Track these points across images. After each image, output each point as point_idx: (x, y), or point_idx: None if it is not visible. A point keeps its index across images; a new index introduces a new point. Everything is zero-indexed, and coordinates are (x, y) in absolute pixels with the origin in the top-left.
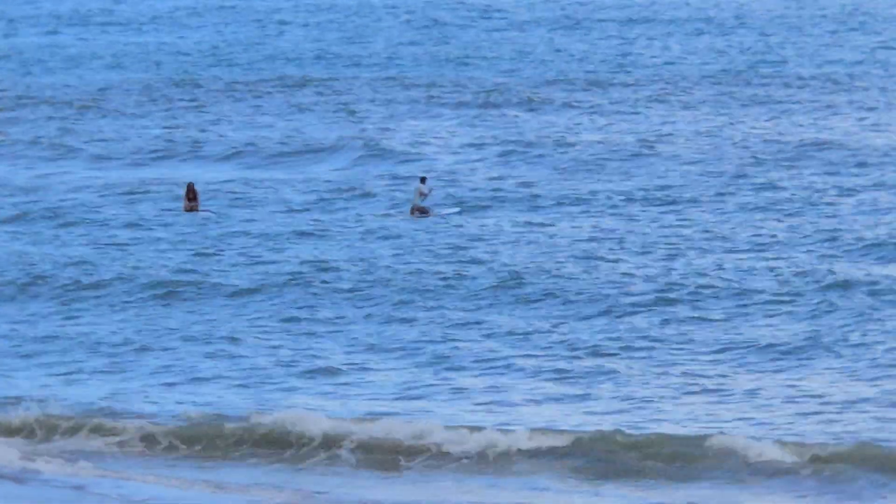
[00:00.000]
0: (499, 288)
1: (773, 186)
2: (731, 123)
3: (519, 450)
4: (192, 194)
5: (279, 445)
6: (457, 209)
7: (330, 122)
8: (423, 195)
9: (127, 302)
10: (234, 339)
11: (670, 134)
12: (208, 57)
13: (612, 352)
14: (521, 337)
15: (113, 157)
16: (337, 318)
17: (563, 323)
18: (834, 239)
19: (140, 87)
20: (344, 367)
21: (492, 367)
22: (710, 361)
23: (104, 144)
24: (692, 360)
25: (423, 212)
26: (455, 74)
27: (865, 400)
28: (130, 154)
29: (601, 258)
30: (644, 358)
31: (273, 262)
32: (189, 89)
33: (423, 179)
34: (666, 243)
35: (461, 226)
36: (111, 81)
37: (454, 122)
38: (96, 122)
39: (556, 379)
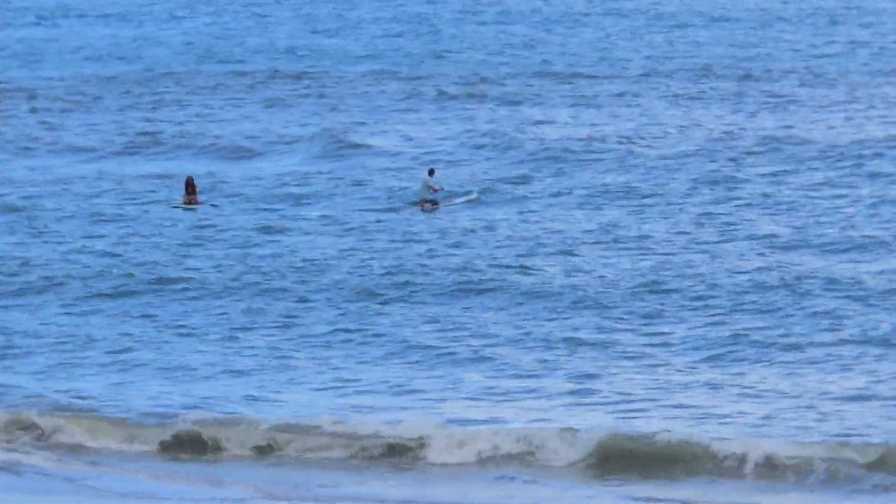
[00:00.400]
0: (474, 283)
1: (746, 182)
2: (708, 119)
3: (508, 447)
4: (191, 188)
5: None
6: (474, 195)
7: (313, 116)
8: (430, 188)
9: (102, 296)
10: (207, 335)
11: (645, 129)
12: (191, 50)
13: (592, 349)
14: (495, 334)
15: (90, 150)
16: (308, 314)
17: (536, 319)
18: (805, 236)
19: (121, 81)
20: (326, 364)
21: (469, 365)
22: (687, 359)
23: (82, 138)
24: (671, 357)
25: (434, 204)
26: (437, 68)
27: (850, 397)
28: (107, 147)
29: (576, 254)
30: (624, 356)
31: (249, 259)
32: (169, 83)
33: (431, 172)
34: (642, 239)
35: (439, 219)
36: (90, 75)
37: (434, 115)
38: (74, 115)
39: (535, 376)
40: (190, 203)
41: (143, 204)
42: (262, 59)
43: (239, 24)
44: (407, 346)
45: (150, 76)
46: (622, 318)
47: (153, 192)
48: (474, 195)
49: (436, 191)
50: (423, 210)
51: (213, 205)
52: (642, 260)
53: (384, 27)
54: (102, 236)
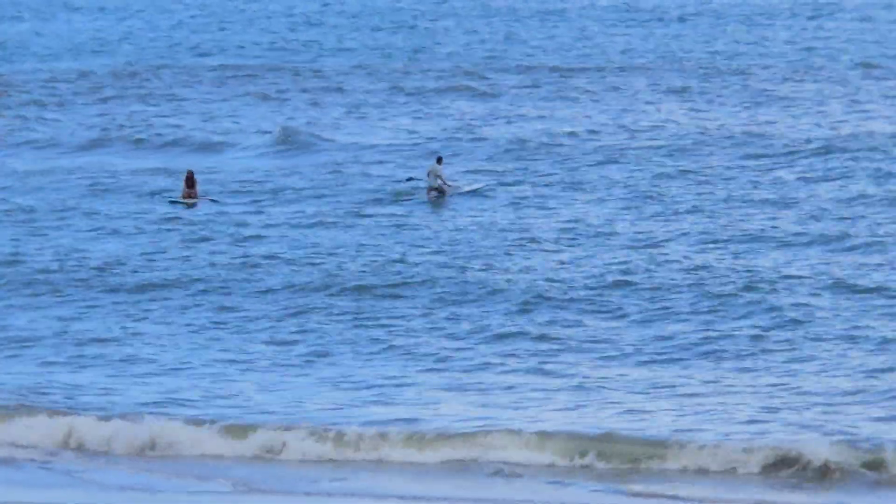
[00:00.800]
0: (434, 281)
1: (717, 177)
2: (683, 114)
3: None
4: (190, 182)
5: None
6: (481, 184)
7: (295, 111)
8: (438, 176)
9: (75, 289)
10: (167, 333)
11: (618, 124)
12: (174, 44)
13: (555, 349)
14: (460, 333)
15: (61, 145)
16: (277, 310)
17: (499, 316)
18: (774, 233)
19: (105, 75)
20: (295, 362)
21: (438, 363)
22: (658, 357)
23: (51, 132)
24: (641, 355)
25: (441, 192)
26: (416, 63)
27: (812, 394)
28: (91, 141)
29: (546, 249)
30: (592, 356)
31: (221, 256)
32: (151, 78)
33: (439, 160)
34: (609, 235)
35: (409, 215)
36: (64, 69)
37: (412, 110)
38: (44, 110)
39: (505, 373)
40: (189, 197)
41: (110, 196)
42: (242, 53)
43: (223, 18)
44: (370, 344)
45: (132, 70)
46: (589, 315)
47: (125, 185)
48: (481, 185)
49: (444, 181)
50: (428, 198)
51: (212, 200)
52: (611, 256)
53: (364, 21)
54: (79, 231)
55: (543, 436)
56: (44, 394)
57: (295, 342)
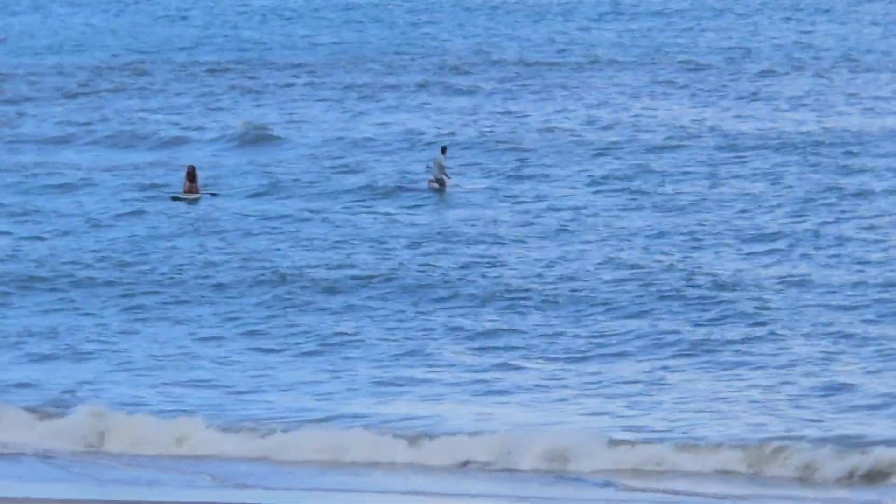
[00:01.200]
0: (397, 279)
1: (682, 174)
2: (661, 111)
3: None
4: (191, 177)
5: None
6: (483, 185)
7: (280, 106)
8: (442, 167)
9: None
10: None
11: (592, 119)
12: (158, 38)
13: (519, 349)
14: (426, 333)
15: (44, 139)
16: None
17: (464, 316)
18: (738, 229)
19: (88, 69)
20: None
21: (405, 361)
22: (623, 355)
23: (32, 128)
24: (588, 357)
25: (442, 183)
26: (396, 59)
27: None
28: (84, 137)
29: (520, 246)
30: (557, 357)
31: (188, 253)
32: (131, 73)
33: (443, 150)
34: (575, 232)
35: (387, 213)
36: (51, 63)
37: (391, 106)
38: (28, 105)
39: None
40: (190, 192)
41: (92, 190)
42: (227, 47)
43: (211, 13)
44: (339, 339)
45: (115, 65)
46: (541, 318)
47: (107, 179)
48: (483, 185)
49: (445, 173)
50: (430, 188)
51: (212, 194)
52: (588, 251)
53: (347, 15)
54: (67, 226)
55: (522, 435)
56: (28, 388)
57: (273, 337)
